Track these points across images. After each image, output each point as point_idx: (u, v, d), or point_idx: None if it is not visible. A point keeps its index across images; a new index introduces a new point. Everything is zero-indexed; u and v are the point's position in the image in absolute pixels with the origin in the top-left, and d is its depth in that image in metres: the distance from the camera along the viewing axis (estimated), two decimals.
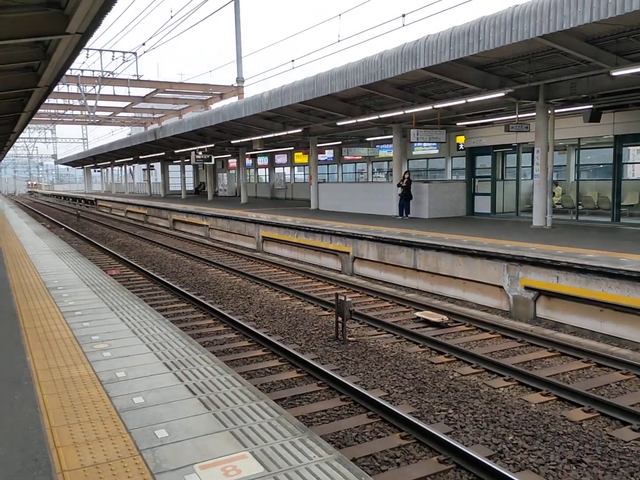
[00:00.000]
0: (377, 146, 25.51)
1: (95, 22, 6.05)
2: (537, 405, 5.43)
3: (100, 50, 25.02)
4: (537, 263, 8.70)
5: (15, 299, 6.40)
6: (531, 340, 7.49)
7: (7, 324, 5.26)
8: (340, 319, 7.49)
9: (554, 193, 14.22)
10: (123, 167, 54.36)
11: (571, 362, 6.76)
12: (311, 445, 2.82)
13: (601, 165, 16.79)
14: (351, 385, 5.61)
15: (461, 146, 19.92)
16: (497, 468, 4.00)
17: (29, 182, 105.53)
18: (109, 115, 42.27)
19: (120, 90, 32.76)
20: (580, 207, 15.09)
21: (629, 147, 14.47)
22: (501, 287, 9.39)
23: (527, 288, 8.91)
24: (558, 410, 5.33)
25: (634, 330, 7.51)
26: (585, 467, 4.27)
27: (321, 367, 6.16)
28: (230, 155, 35.63)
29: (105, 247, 17.14)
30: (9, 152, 55.38)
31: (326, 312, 9.15)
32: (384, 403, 5.16)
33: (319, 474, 2.55)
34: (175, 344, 4.61)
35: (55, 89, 13.67)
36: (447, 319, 8.46)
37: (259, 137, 22.10)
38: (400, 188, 16.68)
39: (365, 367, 6.54)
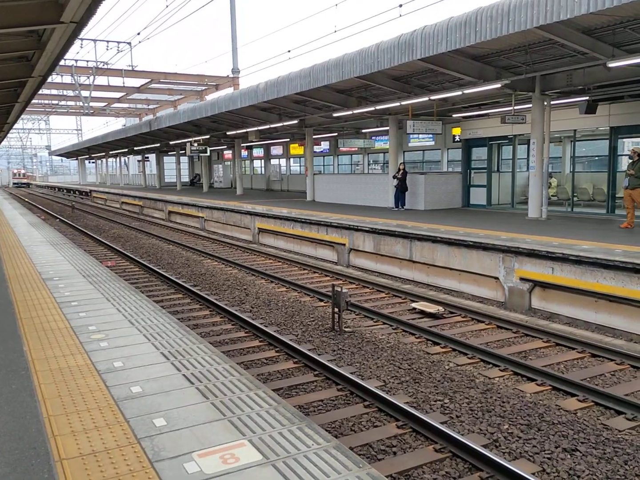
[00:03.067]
0: (373, 138, 25.48)
1: (90, 11, 6.00)
2: (532, 395, 5.47)
3: (95, 40, 24.83)
4: (532, 254, 8.74)
5: (11, 289, 6.38)
6: (526, 330, 7.54)
7: (3, 314, 5.24)
8: (336, 309, 7.51)
9: (549, 184, 14.25)
10: (118, 159, 54.06)
11: (566, 352, 6.81)
12: (309, 434, 2.84)
13: (596, 157, 16.82)
14: (347, 375, 5.63)
15: (457, 138, 19.92)
16: (492, 457, 4.03)
17: (14, 170, 78.36)
18: (104, 106, 41.98)
19: (115, 81, 32.50)
20: (575, 198, 15.13)
21: (624, 139, 14.49)
22: (497, 278, 9.42)
23: (522, 279, 8.94)
24: (553, 400, 5.38)
25: (628, 320, 7.56)
26: (579, 455, 4.31)
27: (317, 358, 6.18)
28: (225, 146, 35.49)
29: (100, 239, 17.09)
30: (3, 143, 55.01)
31: (322, 303, 9.17)
32: (380, 393, 5.18)
33: (318, 462, 2.56)
34: (172, 334, 4.61)
35: (49, 79, 13.55)
36: (443, 309, 8.50)
37: (255, 129, 22.01)
38: (395, 180, 16.68)
39: (361, 357, 6.57)
